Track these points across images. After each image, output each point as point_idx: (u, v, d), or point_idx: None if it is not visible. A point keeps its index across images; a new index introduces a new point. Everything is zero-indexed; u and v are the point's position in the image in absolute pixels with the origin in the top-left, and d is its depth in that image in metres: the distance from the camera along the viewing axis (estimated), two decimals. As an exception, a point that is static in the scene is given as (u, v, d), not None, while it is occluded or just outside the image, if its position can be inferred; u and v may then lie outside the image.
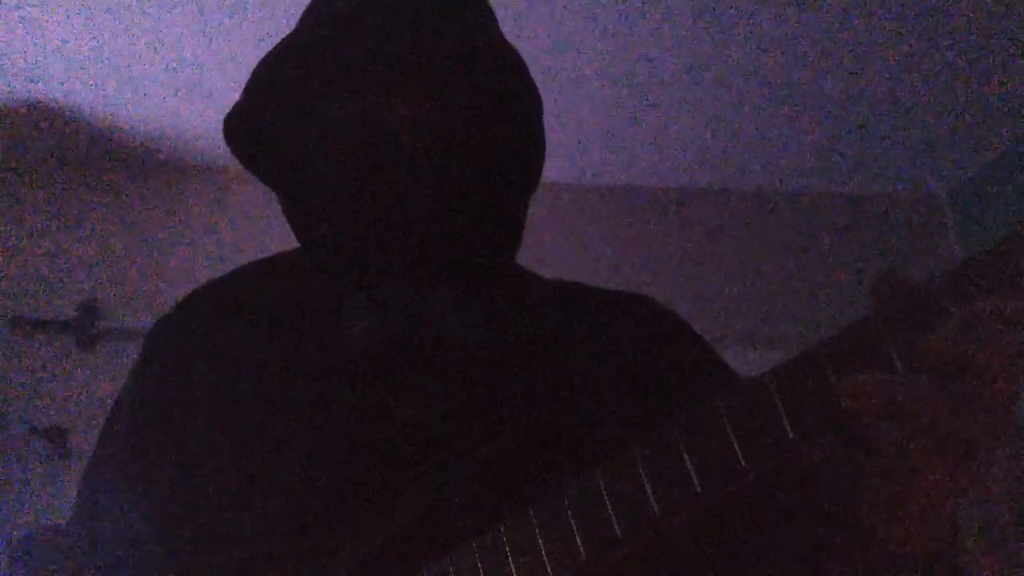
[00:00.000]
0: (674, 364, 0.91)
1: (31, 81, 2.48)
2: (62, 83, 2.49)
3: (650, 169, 2.95)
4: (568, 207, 2.91)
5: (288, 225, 0.98)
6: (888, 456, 0.59)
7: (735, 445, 0.61)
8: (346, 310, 0.86)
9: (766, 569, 0.76)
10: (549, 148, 0.98)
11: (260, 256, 1.03)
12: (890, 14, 2.31)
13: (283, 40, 0.93)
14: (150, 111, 2.62)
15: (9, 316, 2.60)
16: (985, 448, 0.58)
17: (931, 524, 0.63)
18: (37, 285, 2.66)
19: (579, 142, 2.80)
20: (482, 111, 0.91)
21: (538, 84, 0.96)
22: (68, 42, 2.35)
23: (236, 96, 0.95)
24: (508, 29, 1.01)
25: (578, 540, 0.66)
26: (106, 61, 2.42)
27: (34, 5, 2.22)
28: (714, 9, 2.30)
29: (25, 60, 2.40)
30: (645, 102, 2.64)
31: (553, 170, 1.01)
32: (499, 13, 1.01)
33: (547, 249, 2.56)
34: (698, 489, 0.62)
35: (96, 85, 2.50)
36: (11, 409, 2.50)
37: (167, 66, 2.44)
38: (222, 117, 0.94)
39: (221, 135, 0.95)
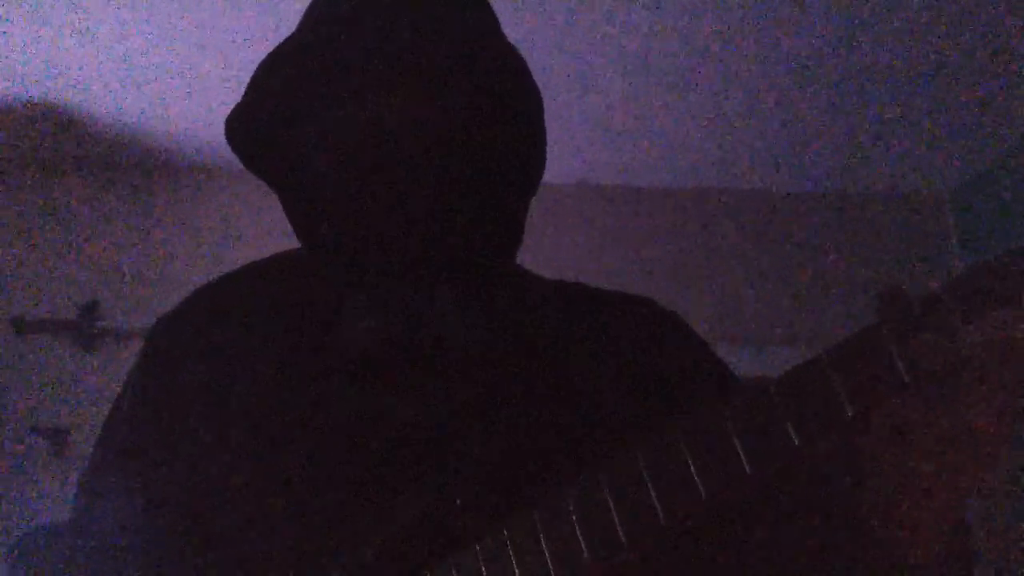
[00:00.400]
0: (674, 365, 0.91)
1: (31, 81, 2.48)
2: (63, 83, 2.49)
3: (650, 169, 2.95)
4: (568, 207, 2.91)
5: (289, 225, 0.98)
6: (891, 466, 0.59)
7: (739, 450, 0.61)
8: (346, 310, 0.86)
9: (770, 573, 0.76)
10: (549, 148, 0.98)
11: (261, 256, 1.02)
12: (891, 14, 2.31)
13: (284, 41, 0.93)
14: (151, 111, 2.62)
15: (9, 316, 2.60)
16: (990, 453, 0.58)
17: (935, 530, 0.63)
18: (37, 285, 2.66)
19: (579, 142, 2.80)
20: (482, 111, 0.91)
21: (539, 84, 0.96)
22: (68, 42, 2.34)
23: (236, 96, 0.95)
24: (508, 29, 1.01)
25: (582, 543, 0.66)
26: (106, 61, 2.42)
27: (35, 5, 2.22)
28: (715, 9, 2.30)
29: (25, 60, 2.40)
30: (646, 102, 2.64)
31: (553, 170, 1.01)
32: (499, 13, 1.01)
33: (547, 249, 2.55)
34: (702, 493, 0.62)
35: (96, 85, 2.50)
36: (11, 409, 2.50)
37: (167, 66, 2.44)
38: (222, 117, 0.94)
39: (222, 135, 0.95)
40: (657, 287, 2.94)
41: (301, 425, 0.84)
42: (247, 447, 0.84)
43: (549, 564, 0.67)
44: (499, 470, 0.79)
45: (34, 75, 2.46)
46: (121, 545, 0.86)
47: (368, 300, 0.86)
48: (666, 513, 0.63)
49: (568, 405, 0.84)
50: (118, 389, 0.96)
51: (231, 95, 0.96)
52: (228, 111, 0.95)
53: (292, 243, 1.00)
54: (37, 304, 2.64)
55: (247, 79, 0.95)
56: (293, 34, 0.94)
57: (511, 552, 0.69)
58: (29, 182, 2.78)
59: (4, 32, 2.30)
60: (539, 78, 0.97)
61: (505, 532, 0.70)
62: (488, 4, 1.00)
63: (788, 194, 3.05)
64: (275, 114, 0.95)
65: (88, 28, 2.30)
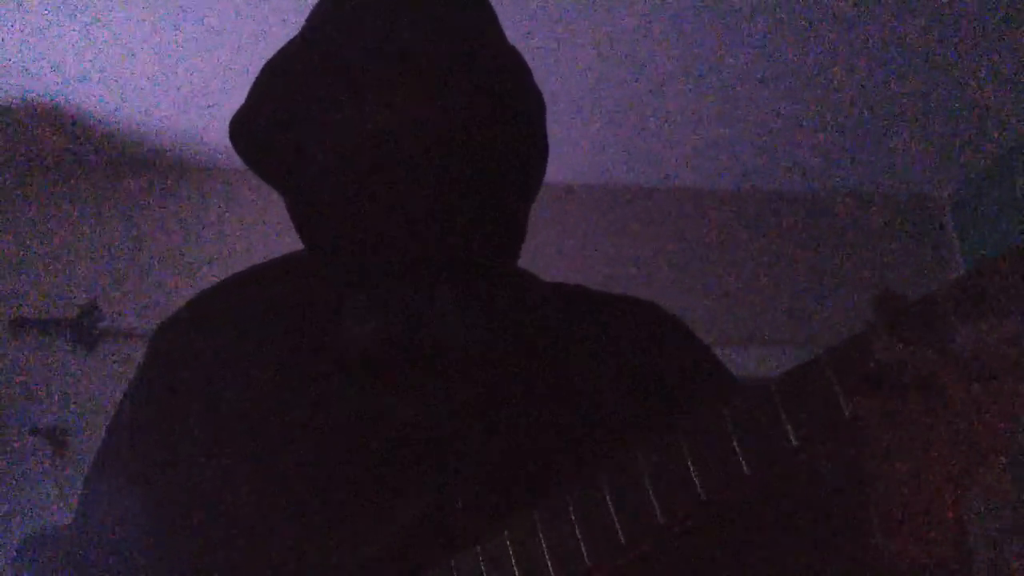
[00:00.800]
0: (674, 365, 0.91)
1: (31, 81, 2.48)
2: (63, 84, 2.49)
3: (650, 169, 2.95)
4: (568, 207, 2.91)
5: (288, 225, 0.98)
6: (887, 467, 0.59)
7: (738, 451, 0.61)
8: (346, 310, 0.87)
9: (770, 573, 0.76)
10: (550, 148, 0.98)
11: (260, 255, 1.03)
12: (892, 16, 2.31)
13: (288, 43, 0.93)
14: (150, 111, 2.62)
15: (9, 316, 2.60)
16: (987, 451, 0.58)
17: (933, 531, 0.63)
18: (37, 285, 2.66)
19: (580, 142, 2.80)
20: (482, 112, 0.91)
21: (539, 84, 0.96)
22: (68, 42, 2.35)
23: (236, 96, 0.95)
24: (508, 29, 1.01)
25: (582, 544, 0.66)
26: (106, 61, 2.42)
27: (35, 5, 2.22)
28: (715, 10, 2.30)
29: (25, 60, 2.40)
30: (645, 102, 2.64)
31: (553, 170, 1.01)
32: (499, 13, 1.01)
33: (547, 249, 2.56)
34: (701, 494, 0.62)
35: (97, 85, 2.50)
36: (11, 409, 2.50)
37: (167, 66, 2.44)
38: (223, 117, 0.95)
39: (222, 135, 0.95)
40: (657, 287, 2.94)
41: (301, 425, 0.84)
42: (247, 448, 0.84)
43: (549, 565, 0.67)
44: (499, 470, 0.79)
45: (34, 75, 2.46)
46: (124, 549, 0.87)
47: (368, 300, 0.86)
48: (665, 514, 0.63)
49: (568, 405, 0.84)
50: (118, 389, 0.97)
51: (231, 95, 0.96)
52: (228, 110, 0.96)
53: (292, 242, 1.00)
54: (37, 304, 2.64)
55: (247, 79, 0.96)
56: (296, 36, 0.94)
57: (511, 553, 0.69)
58: (29, 182, 2.78)
59: (4, 32, 2.30)
60: (539, 78, 0.97)
61: (505, 533, 0.70)
62: (489, 4, 1.00)
63: (788, 194, 3.05)
64: (277, 116, 0.95)
65: (89, 28, 2.30)
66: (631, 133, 2.78)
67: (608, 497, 0.66)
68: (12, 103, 2.55)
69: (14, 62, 2.41)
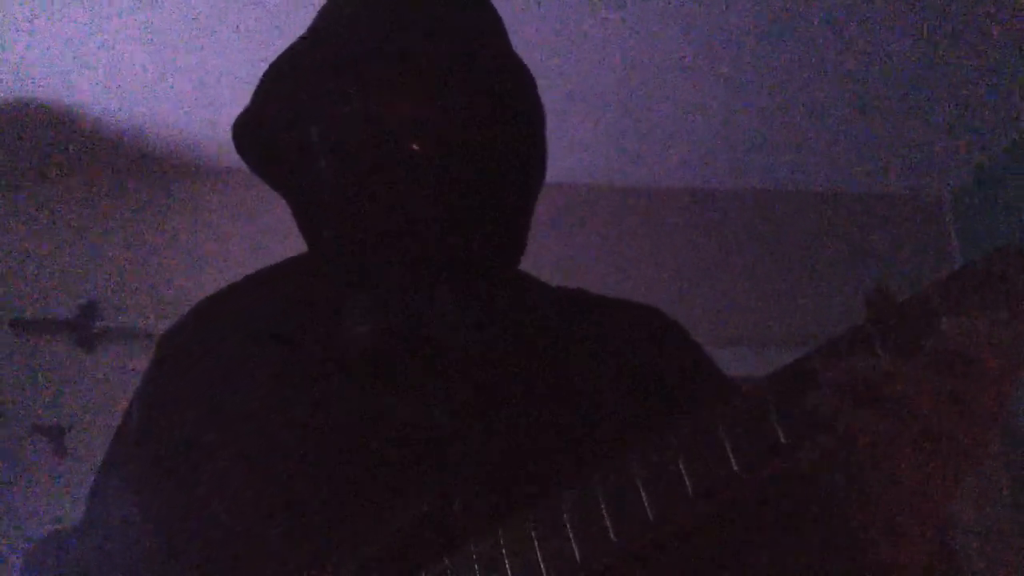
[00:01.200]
0: (674, 366, 0.91)
1: (31, 81, 2.48)
2: (62, 83, 2.49)
3: (650, 169, 2.95)
4: (568, 207, 2.91)
5: (289, 226, 0.98)
6: (875, 469, 0.60)
7: (728, 451, 0.61)
8: (347, 310, 0.87)
9: (761, 574, 0.77)
10: (550, 148, 0.98)
11: (260, 256, 1.03)
12: (891, 14, 2.31)
13: (291, 45, 0.93)
14: (150, 111, 2.62)
15: (9, 316, 2.60)
16: (971, 450, 0.59)
17: (920, 532, 0.63)
18: (37, 285, 2.66)
19: (579, 142, 2.80)
20: (483, 112, 0.91)
21: (538, 84, 0.96)
22: (68, 42, 2.34)
23: (236, 96, 0.95)
24: (509, 29, 1.01)
25: (574, 545, 0.66)
26: (106, 61, 2.42)
27: (34, 5, 2.22)
28: (714, 9, 2.30)
29: (25, 60, 2.40)
30: (645, 102, 2.64)
31: (553, 170, 1.01)
32: (499, 13, 1.01)
33: (548, 249, 2.55)
34: (692, 495, 0.62)
35: (97, 85, 2.50)
36: (11, 409, 2.50)
37: (167, 66, 2.44)
38: (223, 117, 0.95)
39: (222, 135, 0.95)
40: (656, 287, 2.94)
41: (302, 425, 0.84)
42: (248, 448, 0.84)
43: (541, 565, 0.67)
44: (499, 470, 0.79)
45: (34, 75, 2.46)
46: (130, 552, 0.87)
47: (368, 300, 0.86)
48: (657, 516, 0.63)
49: (568, 405, 0.85)
50: (118, 389, 0.97)
51: (231, 95, 0.96)
52: (228, 110, 0.96)
53: (293, 243, 1.00)
54: (37, 304, 2.64)
55: (247, 78, 0.96)
56: (300, 38, 0.94)
57: (504, 555, 0.69)
58: (29, 182, 2.78)
59: (4, 32, 2.30)
60: (539, 78, 0.97)
61: (499, 532, 0.70)
62: (490, 5, 1.00)
63: (787, 194, 3.05)
64: (279, 118, 0.95)
65: (89, 28, 2.30)
66: (631, 133, 2.78)
67: (600, 498, 0.66)
68: (12, 103, 2.55)
69: (14, 62, 2.41)
